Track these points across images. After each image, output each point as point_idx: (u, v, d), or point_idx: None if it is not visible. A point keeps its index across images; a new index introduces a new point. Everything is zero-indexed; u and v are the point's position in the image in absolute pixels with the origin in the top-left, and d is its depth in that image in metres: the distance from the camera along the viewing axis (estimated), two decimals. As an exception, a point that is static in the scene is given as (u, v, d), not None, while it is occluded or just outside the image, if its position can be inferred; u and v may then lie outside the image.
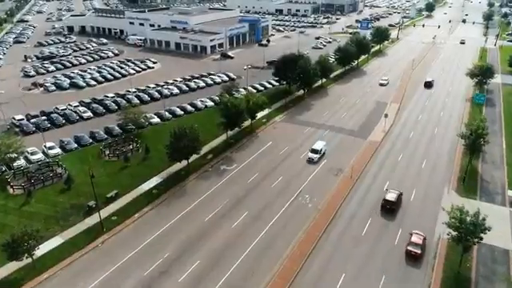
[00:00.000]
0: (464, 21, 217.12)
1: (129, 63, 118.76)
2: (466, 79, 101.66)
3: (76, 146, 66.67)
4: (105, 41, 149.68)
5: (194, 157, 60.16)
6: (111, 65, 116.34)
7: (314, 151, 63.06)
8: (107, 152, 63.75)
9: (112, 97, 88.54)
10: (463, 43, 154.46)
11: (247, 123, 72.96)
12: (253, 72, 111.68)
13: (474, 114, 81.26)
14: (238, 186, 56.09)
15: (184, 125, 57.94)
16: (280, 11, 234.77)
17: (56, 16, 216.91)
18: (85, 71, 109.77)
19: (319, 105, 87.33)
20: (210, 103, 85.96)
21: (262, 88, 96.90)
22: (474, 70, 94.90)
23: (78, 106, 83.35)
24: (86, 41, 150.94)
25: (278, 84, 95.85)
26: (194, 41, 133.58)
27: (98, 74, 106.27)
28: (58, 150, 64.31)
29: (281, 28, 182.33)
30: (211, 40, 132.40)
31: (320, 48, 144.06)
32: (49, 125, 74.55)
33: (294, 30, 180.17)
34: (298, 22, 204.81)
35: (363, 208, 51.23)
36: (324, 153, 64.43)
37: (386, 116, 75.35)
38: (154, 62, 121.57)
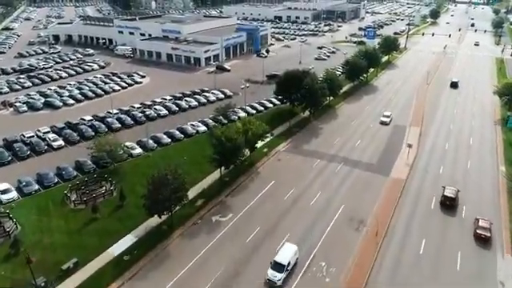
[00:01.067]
0: (473, 24, 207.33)
1: (114, 77, 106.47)
2: (488, 95, 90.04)
3: (37, 187, 54.24)
4: (91, 51, 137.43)
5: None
6: (94, 80, 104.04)
7: (277, 267, 38.72)
8: (73, 197, 51.33)
9: (89, 120, 76.12)
10: (477, 45, 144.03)
11: (246, 153, 60.82)
12: (251, 87, 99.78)
13: (508, 140, 69.46)
14: (234, 246, 43.76)
15: (166, 168, 45.37)
16: (279, 18, 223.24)
17: (44, 24, 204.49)
18: (64, 87, 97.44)
19: (328, 129, 75.21)
20: (203, 128, 73.70)
21: (262, 108, 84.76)
22: (503, 88, 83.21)
23: (48, 132, 70.89)
24: (71, 51, 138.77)
25: (279, 103, 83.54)
26: (187, 52, 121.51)
27: (77, 92, 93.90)
28: (13, 195, 51.84)
29: (280, 36, 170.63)
30: (205, 51, 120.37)
31: (323, 59, 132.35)
32: (9, 158, 62.07)
33: (295, 39, 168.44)
34: (299, 29, 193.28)
35: (396, 281, 39.04)
36: (295, 264, 40.67)
37: (410, 146, 63.21)
38: (143, 76, 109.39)
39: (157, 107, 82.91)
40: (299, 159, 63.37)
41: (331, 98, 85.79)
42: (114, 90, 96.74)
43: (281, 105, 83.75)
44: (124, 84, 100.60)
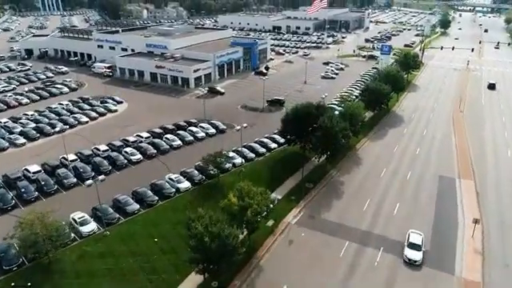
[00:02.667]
0: (486, 30, 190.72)
1: (84, 104, 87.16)
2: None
3: None
4: (65, 69, 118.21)
5: None
6: (59, 107, 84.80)
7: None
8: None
9: (37, 172, 56.60)
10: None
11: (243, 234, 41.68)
12: (249, 117, 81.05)
13: None
14: None
15: None
16: (278, 29, 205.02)
17: (23, 35, 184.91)
18: (19, 119, 78.14)
19: (352, 184, 56.05)
20: (185, 184, 54.38)
21: (264, 150, 65.47)
22: None
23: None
24: (43, 68, 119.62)
25: (286, 143, 64.24)
26: (174, 71, 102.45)
27: (33, 125, 74.59)
28: None
29: (281, 50, 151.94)
30: (195, 70, 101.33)
31: (331, 77, 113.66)
32: None
33: (297, 53, 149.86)
34: (300, 41, 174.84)
35: None
36: None
37: (477, 222, 44.01)
38: (119, 102, 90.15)
39: (128, 150, 63.45)
40: (319, 240, 44.08)
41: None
42: (80, 123, 77.53)
43: (287, 145, 64.38)
44: (94, 114, 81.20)
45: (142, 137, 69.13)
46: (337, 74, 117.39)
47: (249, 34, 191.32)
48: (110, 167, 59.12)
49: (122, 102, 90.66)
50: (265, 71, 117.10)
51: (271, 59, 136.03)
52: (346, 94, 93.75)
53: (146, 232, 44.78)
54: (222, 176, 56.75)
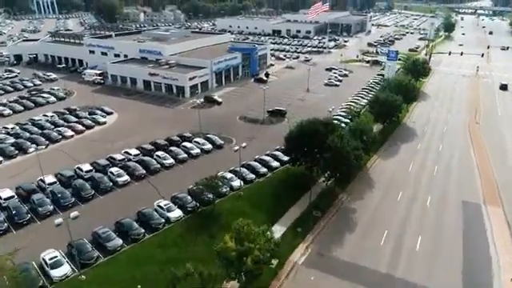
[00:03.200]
0: (491, 32, 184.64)
1: (70, 116, 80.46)
2: None
3: None
4: (53, 76, 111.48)
5: None
6: (44, 119, 78.19)
7: None
8: None
9: (8, 198, 49.83)
10: None
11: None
12: (249, 129, 74.70)
13: None
14: None
15: None
16: (278, 32, 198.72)
17: (14, 39, 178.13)
18: (-3, 133, 71.45)
19: (366, 211, 49.43)
20: (177, 213, 47.65)
21: (265, 170, 58.81)
22: None
23: None
24: (31, 75, 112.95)
25: (289, 162, 57.51)
26: (168, 79, 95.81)
27: (12, 140, 67.90)
28: None
29: (281, 55, 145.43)
30: (191, 78, 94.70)
31: (335, 85, 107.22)
32: None
33: (298, 58, 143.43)
34: (301, 45, 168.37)
35: None
36: None
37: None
38: (108, 113, 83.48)
39: (114, 170, 56.74)
40: (331, 286, 37.38)
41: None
42: (65, 137, 70.80)
43: (291, 165, 57.65)
44: (80, 127, 74.45)
45: (130, 154, 62.40)
46: (340, 80, 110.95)
47: (248, 38, 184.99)
48: (93, 191, 52.37)
49: (111, 113, 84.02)
50: (265, 78, 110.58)
51: (271, 65, 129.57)
52: (352, 103, 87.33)
53: (128, 275, 38.07)
54: (219, 201, 50.14)
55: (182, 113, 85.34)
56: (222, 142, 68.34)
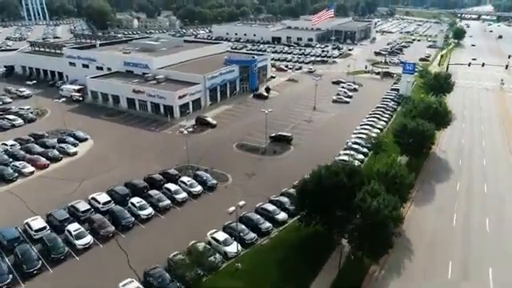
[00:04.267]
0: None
1: (35, 144, 66.91)
2: None
3: None
4: (27, 92, 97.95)
5: None
6: (1, 149, 64.65)
7: None
8: None
9: None
10: None
11: None
12: (248, 162, 61.53)
13: None
14: None
15: None
16: (278, 40, 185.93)
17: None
18: None
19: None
20: (149, 303, 34.19)
21: (269, 225, 45.30)
22: None
23: None
24: (2, 91, 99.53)
25: (301, 217, 43.83)
26: (155, 97, 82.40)
27: (-46, 181, 54.43)
28: None
29: (282, 65, 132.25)
30: (181, 96, 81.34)
31: (345, 102, 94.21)
32: None
33: (300, 69, 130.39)
34: (303, 54, 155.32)
35: None
36: None
37: None
38: (82, 140, 70.12)
39: (73, 229, 43.11)
40: None
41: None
42: (23, 174, 57.29)
43: (301, 220, 43.96)
44: (43, 160, 60.93)
45: (98, 202, 48.86)
46: (350, 96, 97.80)
47: (246, 47, 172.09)
48: (40, 262, 38.83)
49: (86, 139, 70.66)
50: (265, 94, 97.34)
51: (272, 77, 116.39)
52: (369, 125, 74.21)
53: None
54: (209, 278, 36.67)
55: (170, 139, 71.81)
56: (215, 182, 54.88)
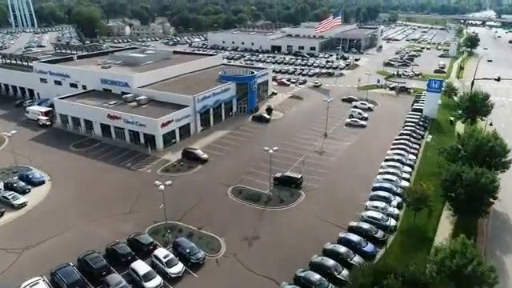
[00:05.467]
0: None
1: (-25, 191, 51.60)
2: None
3: None
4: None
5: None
6: None
7: None
8: None
9: None
10: None
11: None
12: (247, 216, 46.37)
13: None
14: None
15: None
16: (278, 49, 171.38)
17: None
18: None
19: None
20: None
21: None
22: None
23: None
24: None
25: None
26: (133, 124, 67.16)
27: None
28: None
29: (284, 79, 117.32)
30: (164, 124, 66.09)
31: (360, 125, 79.23)
32: None
33: (305, 83, 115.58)
34: (306, 65, 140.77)
35: None
36: None
37: None
38: (38, 183, 54.90)
39: None
40: None
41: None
42: None
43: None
44: (-23, 218, 45.61)
45: (33, 296, 33.58)
46: (366, 118, 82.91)
47: (243, 56, 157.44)
48: None
49: (42, 183, 55.36)
50: (267, 116, 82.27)
51: (273, 93, 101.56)
52: (397, 160, 59.22)
53: None
54: None
55: (148, 182, 56.21)
56: (202, 256, 39.63)
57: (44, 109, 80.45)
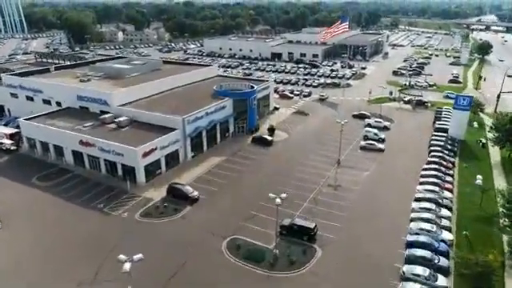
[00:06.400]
0: None
1: None
2: None
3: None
4: None
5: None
6: None
7: None
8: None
9: None
10: None
11: None
12: (248, 283, 34.33)
13: None
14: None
15: None
16: (278, 56, 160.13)
17: None
18: None
19: None
20: None
21: None
22: None
23: None
24: None
25: None
26: (109, 152, 55.33)
27: None
28: None
29: (287, 91, 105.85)
30: (146, 153, 54.25)
31: (378, 149, 67.61)
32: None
33: (310, 95, 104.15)
34: (310, 74, 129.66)
35: None
36: None
37: None
38: (-19, 236, 42.91)
39: None
40: None
41: None
42: None
43: None
44: None
45: None
46: (383, 140, 71.48)
47: (241, 64, 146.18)
48: None
49: (-10, 232, 43.48)
50: (269, 138, 70.60)
51: (275, 109, 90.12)
52: (431, 200, 47.72)
53: None
54: None
55: (124, 229, 44.77)
56: None
57: (9, 130, 68.77)
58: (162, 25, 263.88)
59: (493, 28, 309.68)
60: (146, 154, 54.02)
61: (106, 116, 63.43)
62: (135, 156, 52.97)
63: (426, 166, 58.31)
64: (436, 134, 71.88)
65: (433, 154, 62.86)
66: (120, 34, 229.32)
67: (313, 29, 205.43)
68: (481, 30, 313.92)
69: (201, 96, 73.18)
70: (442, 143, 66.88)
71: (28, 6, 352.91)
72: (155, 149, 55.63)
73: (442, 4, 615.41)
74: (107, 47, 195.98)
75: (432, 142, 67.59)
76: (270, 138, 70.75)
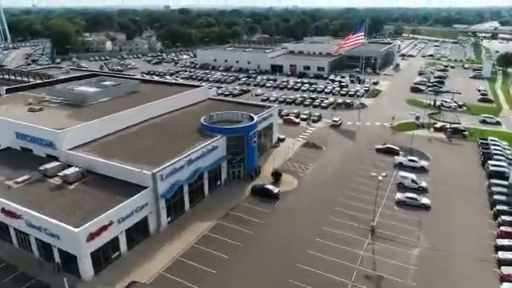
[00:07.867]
0: None
1: None
2: None
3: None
4: None
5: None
6: None
7: None
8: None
9: None
10: None
11: None
12: None
13: None
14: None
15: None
16: (279, 69, 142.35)
17: None
18: None
19: None
20: None
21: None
22: None
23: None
24: None
25: None
26: (40, 231, 36.67)
27: None
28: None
29: (292, 114, 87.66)
30: (93, 235, 35.61)
31: (421, 206, 49.43)
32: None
33: (320, 120, 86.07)
34: (315, 90, 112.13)
35: None
36: None
37: None
38: None
39: None
40: None
41: None
42: None
43: None
44: None
45: None
46: (424, 189, 53.52)
47: (238, 79, 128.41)
48: None
49: None
50: (274, 190, 52.24)
51: (279, 140, 71.79)
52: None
53: None
54: None
55: None
56: None
57: None
58: (154, 33, 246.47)
59: (501, 36, 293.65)
60: (93, 236, 35.62)
61: (48, 167, 45.00)
62: (76, 240, 34.54)
63: (500, 241, 40.21)
64: (494, 182, 53.71)
65: (493, 208, 45.08)
66: (108, 44, 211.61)
67: (315, 38, 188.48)
68: (487, 37, 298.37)
69: (185, 131, 55.13)
70: (504, 198, 48.87)
71: (17, 14, 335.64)
72: (110, 224, 37.22)
73: (441, 11, 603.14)
74: (91, 58, 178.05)
75: (495, 198, 49.45)
76: (275, 189, 52.41)
